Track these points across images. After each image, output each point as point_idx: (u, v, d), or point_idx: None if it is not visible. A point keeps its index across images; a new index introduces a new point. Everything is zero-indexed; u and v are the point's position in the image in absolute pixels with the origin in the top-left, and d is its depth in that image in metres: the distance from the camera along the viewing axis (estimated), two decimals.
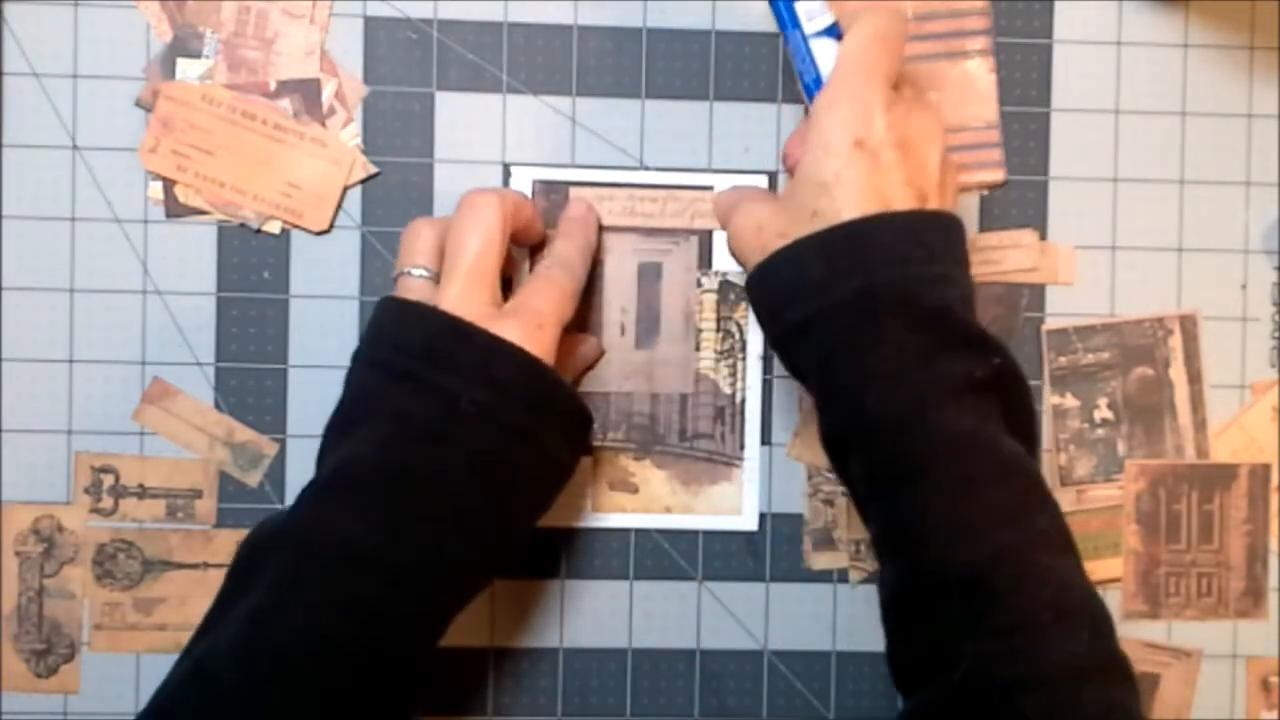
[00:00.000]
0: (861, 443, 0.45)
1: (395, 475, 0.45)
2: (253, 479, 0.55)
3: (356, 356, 0.48)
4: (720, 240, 0.56)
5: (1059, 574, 0.43)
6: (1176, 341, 0.57)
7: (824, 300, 0.44)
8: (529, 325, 0.46)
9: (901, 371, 0.43)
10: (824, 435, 0.47)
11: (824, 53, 0.47)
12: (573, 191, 0.55)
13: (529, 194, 0.56)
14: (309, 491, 0.46)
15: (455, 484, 0.45)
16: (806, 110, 0.48)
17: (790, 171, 0.49)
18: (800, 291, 0.45)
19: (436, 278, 0.48)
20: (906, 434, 0.43)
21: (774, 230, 0.46)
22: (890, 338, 0.43)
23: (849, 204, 0.44)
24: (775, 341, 0.47)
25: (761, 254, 0.46)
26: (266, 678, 0.42)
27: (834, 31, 0.48)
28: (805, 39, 0.48)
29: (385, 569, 0.44)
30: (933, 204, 0.45)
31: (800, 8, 0.47)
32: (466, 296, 0.46)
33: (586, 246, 0.53)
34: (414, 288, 0.48)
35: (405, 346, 0.46)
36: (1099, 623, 0.43)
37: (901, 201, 0.44)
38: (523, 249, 0.54)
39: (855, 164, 0.44)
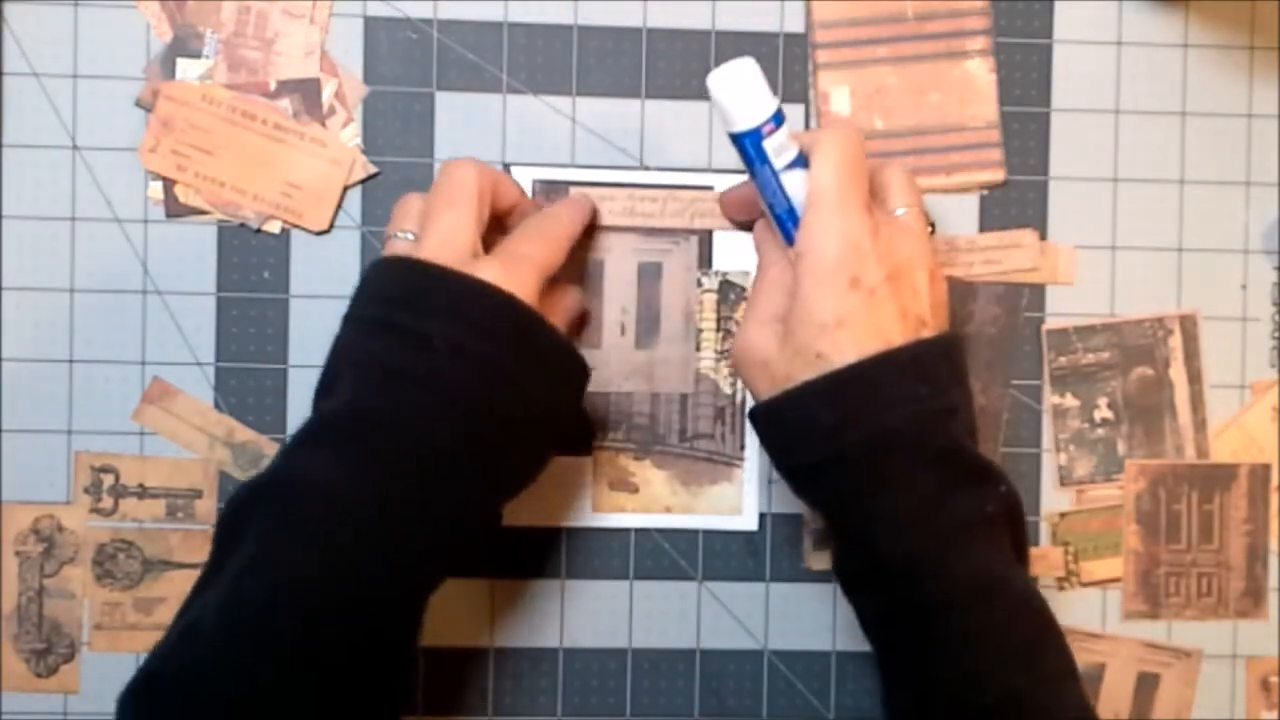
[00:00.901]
0: (875, 584, 0.45)
1: (371, 418, 0.44)
2: None
3: (343, 319, 0.47)
4: (720, 240, 0.56)
5: (1066, 712, 0.44)
6: (1176, 341, 0.57)
7: (834, 447, 0.44)
8: (508, 264, 0.46)
9: (915, 514, 0.44)
10: (836, 567, 0.47)
11: (794, 184, 0.47)
12: (573, 190, 0.55)
13: (529, 194, 0.55)
14: (289, 445, 0.45)
15: (434, 425, 0.44)
16: (783, 232, 0.48)
17: (757, 247, 0.51)
18: (810, 436, 0.45)
19: None
20: (921, 579, 0.44)
21: (780, 371, 0.46)
22: (902, 480, 0.44)
23: (851, 345, 0.44)
24: (784, 474, 0.48)
25: (769, 389, 0.46)
26: (251, 643, 0.42)
27: (801, 162, 0.47)
28: (776, 174, 0.47)
29: (366, 517, 0.43)
30: (929, 328, 0.46)
31: (769, 144, 0.46)
32: (444, 246, 0.46)
33: (577, 209, 0.53)
34: (399, 249, 0.48)
35: (382, 296, 0.46)
36: None
37: (900, 334, 0.45)
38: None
39: (853, 304, 0.44)
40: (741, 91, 0.46)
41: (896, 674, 0.46)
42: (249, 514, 0.44)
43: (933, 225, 0.51)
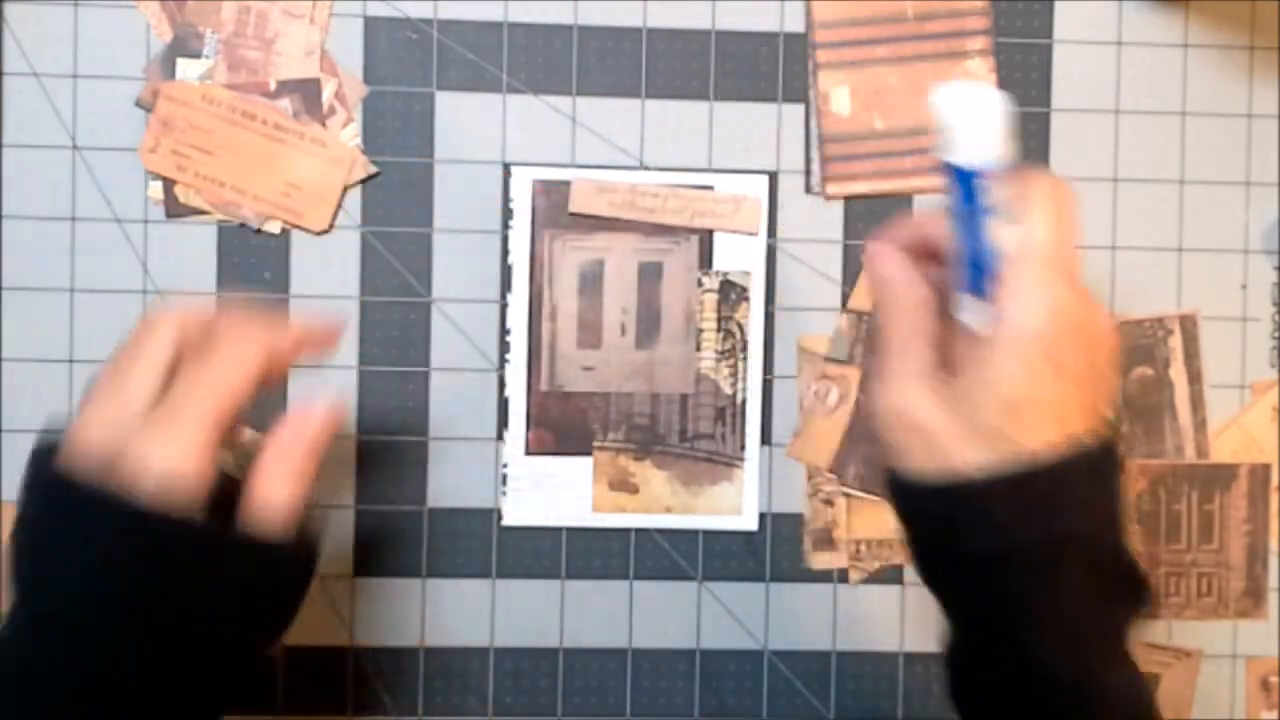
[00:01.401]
0: (1016, 691, 0.41)
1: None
2: None
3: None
4: (720, 240, 0.56)
5: None
6: (1176, 341, 0.57)
7: (1006, 543, 0.40)
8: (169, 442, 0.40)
9: (1080, 624, 0.40)
10: (950, 657, 0.44)
11: (998, 233, 0.41)
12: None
13: (529, 194, 0.56)
14: None
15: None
16: (971, 281, 0.42)
17: (887, 283, 0.43)
18: (981, 528, 0.40)
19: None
20: (1074, 695, 0.40)
21: (947, 443, 0.41)
22: (1072, 586, 0.40)
23: (1038, 431, 0.40)
24: (922, 556, 0.44)
25: (928, 461, 0.41)
26: None
27: (1003, 210, 0.41)
28: (982, 222, 0.41)
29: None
30: (1103, 416, 0.42)
31: (987, 186, 0.41)
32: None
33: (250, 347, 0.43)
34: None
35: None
36: None
37: (1083, 424, 0.40)
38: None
39: (1048, 385, 0.40)
40: (979, 122, 0.41)
41: None
42: None
43: None
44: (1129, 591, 0.42)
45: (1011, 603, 0.40)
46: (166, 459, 0.40)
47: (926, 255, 0.44)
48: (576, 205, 0.56)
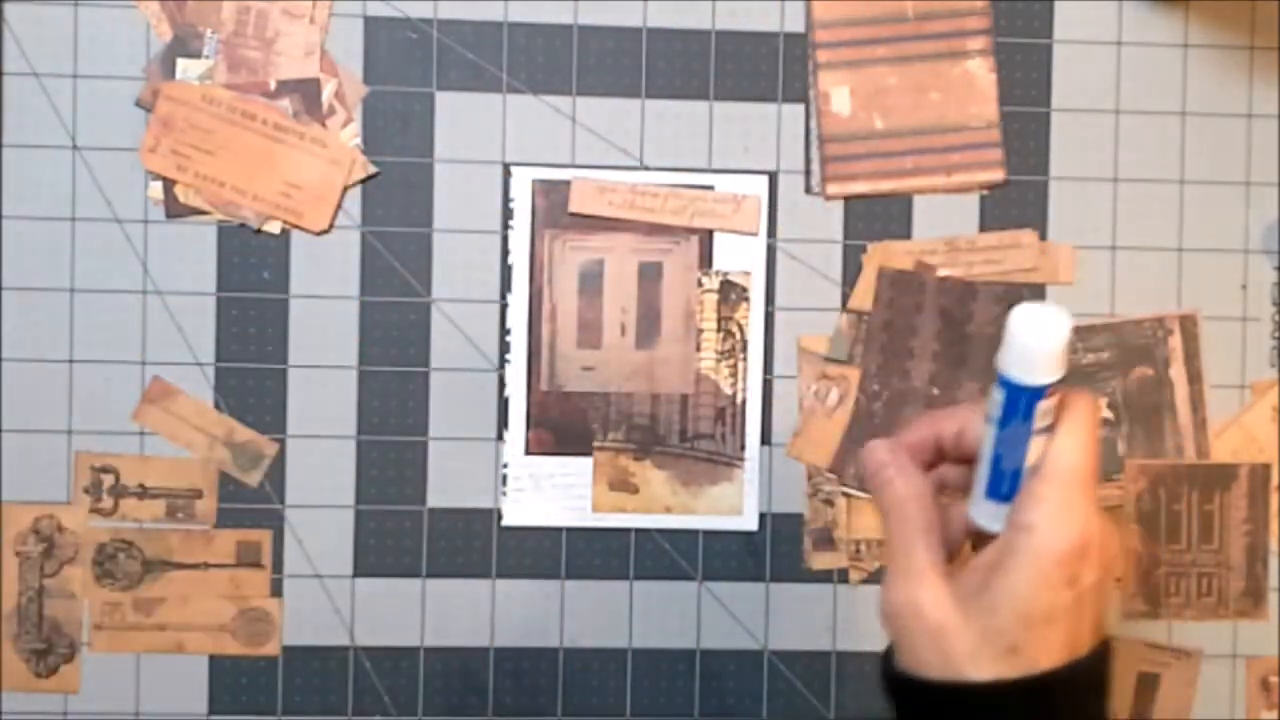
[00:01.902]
0: None
1: None
2: (253, 479, 0.55)
3: None
4: (720, 240, 0.56)
5: None
6: (1176, 341, 0.57)
7: None
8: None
9: None
10: None
11: (1037, 449, 0.41)
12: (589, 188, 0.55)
13: (529, 194, 0.55)
14: None
15: None
16: (993, 486, 0.42)
17: (886, 472, 0.43)
18: None
19: None
20: None
21: (959, 647, 0.41)
22: None
23: (1052, 650, 0.40)
24: None
25: (937, 662, 0.41)
26: None
27: (1040, 424, 0.42)
28: (1030, 434, 0.41)
29: None
30: (1102, 633, 0.42)
31: (1042, 405, 0.41)
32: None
33: None
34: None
35: None
36: None
37: (1088, 642, 0.41)
38: None
39: (1065, 603, 0.40)
40: (1047, 344, 0.41)
41: None
42: None
43: None
44: None
45: None
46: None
47: (932, 449, 0.45)
48: (576, 205, 0.56)
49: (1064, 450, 0.41)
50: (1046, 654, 0.40)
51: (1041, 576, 0.40)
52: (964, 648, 0.41)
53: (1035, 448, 0.41)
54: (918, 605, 0.41)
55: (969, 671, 0.40)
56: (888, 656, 0.43)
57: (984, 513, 0.42)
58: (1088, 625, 0.41)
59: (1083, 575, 0.40)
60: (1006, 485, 0.42)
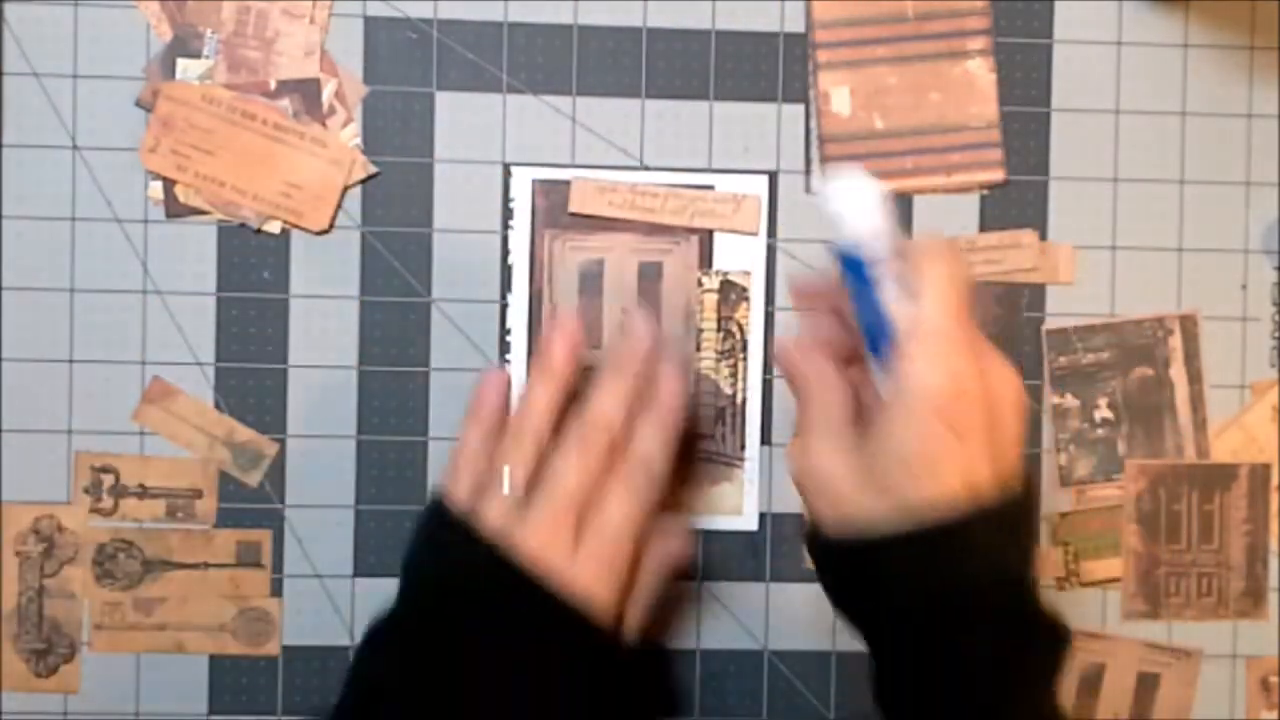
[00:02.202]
0: None
1: None
2: (253, 479, 0.55)
3: (419, 570, 0.47)
4: (720, 240, 0.56)
5: None
6: (1176, 341, 0.57)
7: (908, 599, 0.42)
8: (605, 567, 0.45)
9: (987, 676, 0.42)
10: (876, 692, 0.46)
11: (895, 305, 0.44)
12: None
13: (529, 194, 0.56)
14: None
15: None
16: (871, 347, 0.45)
17: (800, 349, 0.47)
18: (882, 582, 0.43)
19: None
20: None
21: (852, 504, 0.43)
22: (978, 641, 0.42)
23: (939, 493, 0.41)
24: (838, 601, 0.46)
25: (835, 519, 0.44)
26: None
27: (897, 284, 0.44)
28: (879, 295, 0.44)
29: None
30: (1013, 473, 0.43)
31: (876, 266, 0.44)
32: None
33: (675, 433, 0.48)
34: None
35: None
36: None
37: (987, 482, 0.42)
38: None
39: (947, 449, 0.41)
40: (859, 208, 0.44)
41: None
42: None
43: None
44: (1045, 639, 0.43)
45: (916, 651, 0.43)
46: (590, 590, 0.45)
47: (843, 339, 0.47)
48: (576, 205, 0.56)
49: (923, 306, 0.43)
50: (929, 493, 0.41)
51: (916, 426, 0.42)
52: (855, 504, 0.43)
53: (900, 311, 0.44)
54: (816, 467, 0.44)
55: (854, 515, 0.43)
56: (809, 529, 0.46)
57: (877, 378, 0.45)
58: (984, 468, 0.42)
59: (964, 419, 0.42)
60: (883, 347, 0.44)
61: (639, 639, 0.48)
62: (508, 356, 0.56)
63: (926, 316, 0.43)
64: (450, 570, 0.46)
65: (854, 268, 0.45)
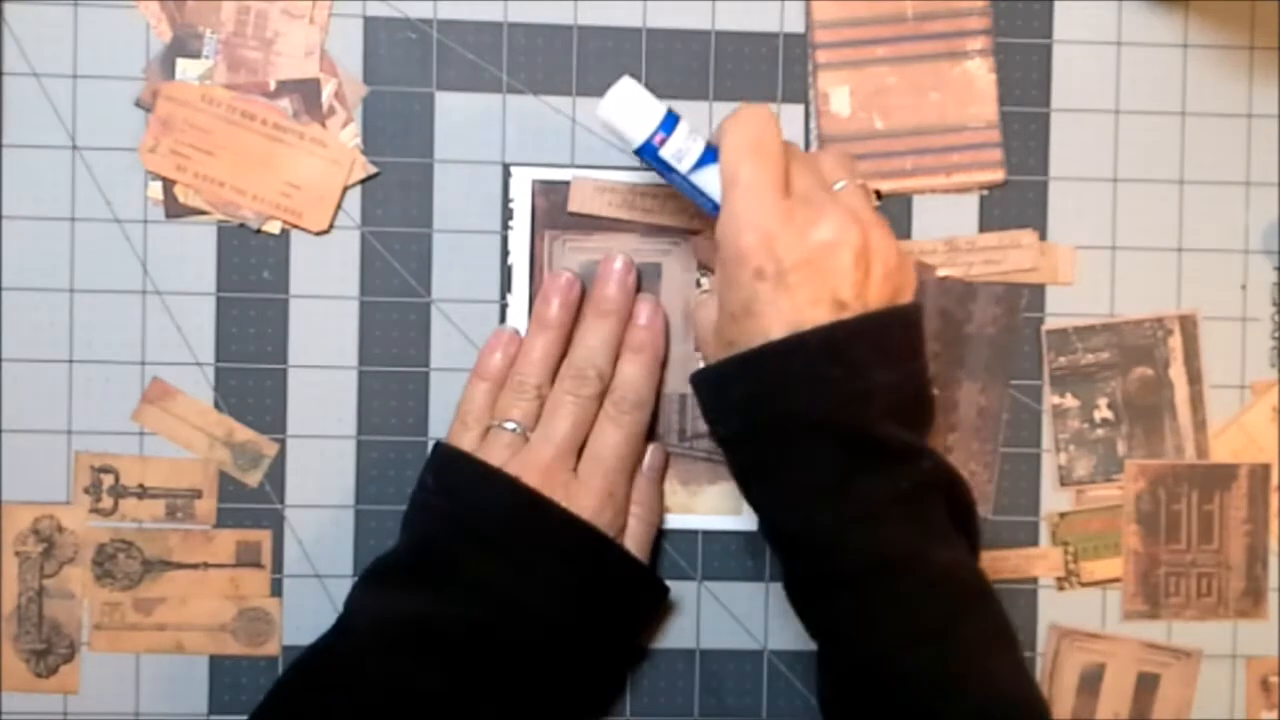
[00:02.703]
0: (784, 556, 0.47)
1: (480, 639, 0.48)
2: (253, 479, 0.55)
3: (425, 505, 0.52)
4: None
5: (985, 682, 0.44)
6: (1176, 341, 0.57)
7: (740, 425, 0.46)
8: (603, 495, 0.51)
9: (815, 498, 0.45)
10: (760, 531, 0.49)
11: (710, 181, 0.48)
12: (575, 187, 0.55)
13: (529, 194, 0.56)
14: (371, 640, 0.48)
15: (534, 649, 0.49)
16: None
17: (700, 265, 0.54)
18: (722, 412, 0.47)
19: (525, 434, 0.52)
20: (824, 558, 0.45)
21: (710, 350, 0.48)
22: (801, 461, 0.45)
23: (759, 334, 0.44)
24: (715, 441, 0.49)
25: (705, 359, 0.49)
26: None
27: (712, 155, 0.47)
28: (685, 177, 0.48)
29: None
30: (852, 310, 0.44)
31: (667, 151, 0.48)
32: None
33: (657, 361, 0.54)
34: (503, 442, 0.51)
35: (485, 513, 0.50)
36: None
37: (814, 319, 0.44)
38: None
39: (759, 293, 0.44)
40: (625, 110, 0.48)
41: (818, 634, 0.48)
42: (333, 712, 0.48)
43: (878, 193, 0.54)
44: (883, 462, 0.44)
45: (754, 475, 0.47)
46: (587, 511, 0.51)
47: None
48: (576, 205, 0.56)
49: (723, 167, 0.46)
50: (755, 340, 0.45)
51: (728, 278, 0.46)
52: (711, 349, 0.48)
53: (711, 181, 0.47)
54: (697, 322, 0.50)
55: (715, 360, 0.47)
56: None
57: None
58: (807, 306, 0.44)
59: (771, 263, 0.44)
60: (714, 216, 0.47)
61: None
62: None
63: (725, 174, 0.46)
64: (462, 504, 0.50)
65: (653, 159, 0.48)
